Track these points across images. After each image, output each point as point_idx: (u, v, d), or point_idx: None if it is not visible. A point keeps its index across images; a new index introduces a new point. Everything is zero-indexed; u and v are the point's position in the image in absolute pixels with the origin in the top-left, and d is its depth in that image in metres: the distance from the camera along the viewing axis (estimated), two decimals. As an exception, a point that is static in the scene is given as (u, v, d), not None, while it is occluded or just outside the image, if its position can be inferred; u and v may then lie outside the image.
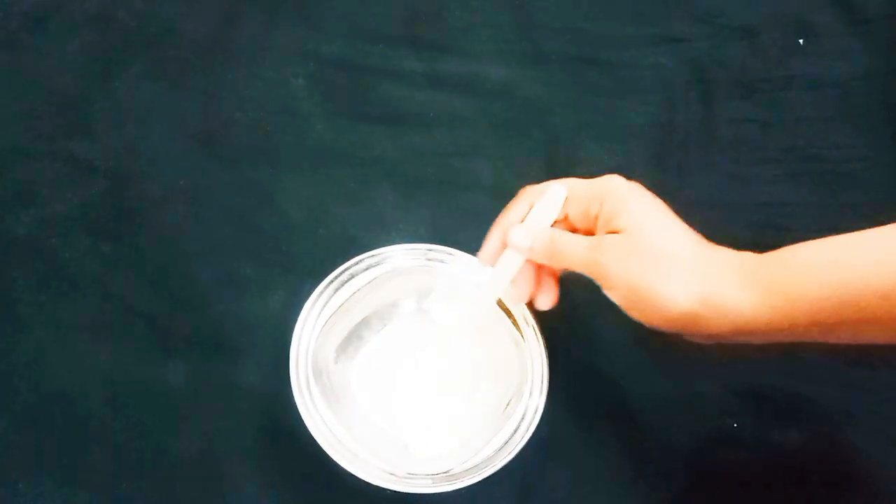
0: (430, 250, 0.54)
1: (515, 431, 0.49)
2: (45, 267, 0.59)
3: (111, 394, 0.55)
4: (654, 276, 0.40)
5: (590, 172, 0.62)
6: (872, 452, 0.53)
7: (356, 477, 0.47)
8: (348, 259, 0.53)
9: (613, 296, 0.42)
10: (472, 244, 0.49)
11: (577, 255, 0.43)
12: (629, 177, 0.62)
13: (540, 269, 0.47)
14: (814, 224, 0.59)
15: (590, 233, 0.45)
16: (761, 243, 0.58)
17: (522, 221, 0.46)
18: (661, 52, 0.67)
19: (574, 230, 0.45)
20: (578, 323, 0.57)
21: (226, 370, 0.56)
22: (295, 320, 0.51)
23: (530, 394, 0.50)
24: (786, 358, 0.56)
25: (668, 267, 0.40)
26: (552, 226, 0.45)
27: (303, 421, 0.48)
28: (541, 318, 0.51)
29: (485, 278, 0.48)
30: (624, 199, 0.43)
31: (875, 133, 0.63)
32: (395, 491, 0.47)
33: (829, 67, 0.66)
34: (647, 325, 0.42)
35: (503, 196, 0.63)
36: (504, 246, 0.46)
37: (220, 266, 0.59)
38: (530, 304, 0.49)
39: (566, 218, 0.46)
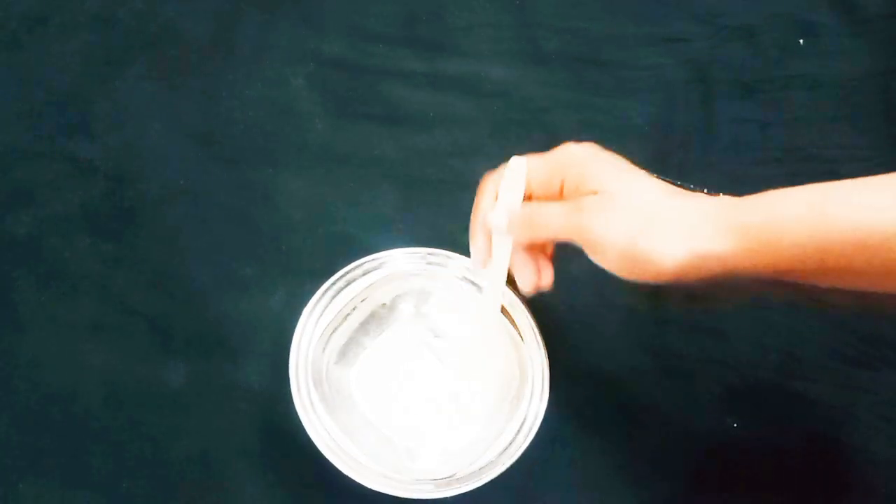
0: (428, 254, 0.54)
1: (517, 435, 0.48)
2: (45, 267, 0.59)
3: (111, 394, 0.55)
4: (640, 234, 0.40)
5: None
6: (872, 452, 0.53)
7: (357, 479, 0.47)
8: (348, 259, 0.53)
9: (600, 259, 0.41)
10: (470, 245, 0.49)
11: (559, 221, 0.42)
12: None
13: (532, 252, 0.46)
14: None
15: None
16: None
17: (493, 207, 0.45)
18: (661, 52, 0.67)
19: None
20: (578, 324, 0.57)
21: (226, 370, 0.56)
22: (295, 320, 0.51)
23: (531, 397, 0.50)
24: (786, 358, 0.56)
25: (652, 223, 0.40)
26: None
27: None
28: (541, 319, 0.51)
29: (484, 279, 0.48)
30: (587, 163, 0.42)
31: (875, 133, 0.64)
32: (397, 497, 0.47)
33: (829, 67, 0.66)
34: (636, 282, 0.42)
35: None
36: (490, 241, 0.46)
37: (220, 266, 0.59)
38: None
39: (531, 196, 0.45)
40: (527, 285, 0.46)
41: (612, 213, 0.40)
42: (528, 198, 0.45)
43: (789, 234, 0.38)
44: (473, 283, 0.53)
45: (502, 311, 0.52)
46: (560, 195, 0.44)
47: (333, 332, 0.52)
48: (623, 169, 0.43)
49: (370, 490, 0.47)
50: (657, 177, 0.43)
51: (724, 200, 0.41)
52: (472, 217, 0.47)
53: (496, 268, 0.46)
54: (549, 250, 0.48)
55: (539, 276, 0.46)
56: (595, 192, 0.41)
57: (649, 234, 0.40)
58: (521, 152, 0.64)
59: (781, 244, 0.38)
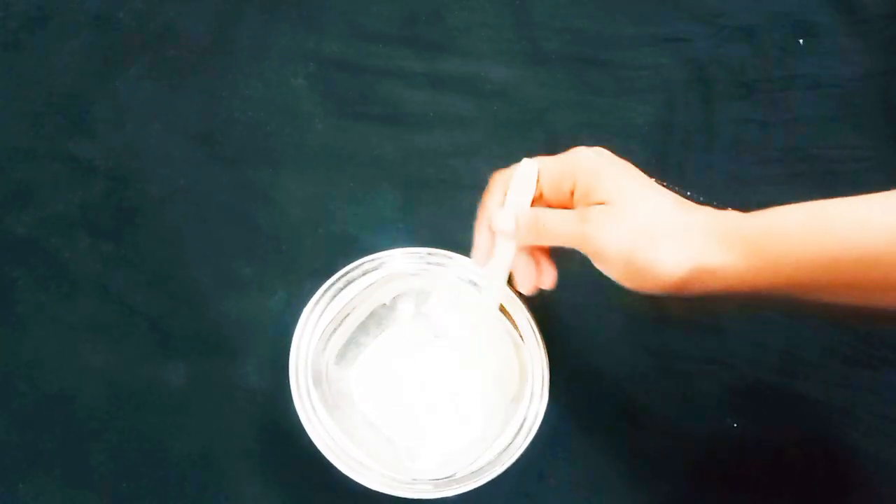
0: (428, 254, 0.54)
1: (517, 435, 0.48)
2: (45, 267, 0.59)
3: (111, 394, 0.55)
4: (645, 246, 0.40)
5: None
6: (872, 452, 0.53)
7: (357, 479, 0.47)
8: (348, 259, 0.53)
9: (605, 268, 0.42)
10: (471, 244, 0.49)
11: (565, 230, 0.43)
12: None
13: (534, 252, 0.47)
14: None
15: (566, 208, 0.44)
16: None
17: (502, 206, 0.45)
18: (661, 52, 0.67)
19: (549, 207, 0.45)
20: (579, 324, 0.57)
21: (226, 370, 0.56)
22: (295, 321, 0.51)
23: (531, 397, 0.50)
24: (786, 358, 0.56)
25: (657, 235, 0.40)
26: (532, 205, 0.45)
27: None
28: (541, 319, 0.51)
29: (483, 277, 0.48)
30: (597, 171, 0.43)
31: (875, 133, 0.64)
32: (397, 497, 0.47)
33: (829, 67, 0.66)
34: (639, 292, 0.42)
35: (503, 196, 0.62)
36: (494, 239, 0.46)
37: (220, 266, 0.59)
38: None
39: (541, 196, 0.45)
40: (527, 285, 0.47)
41: (619, 225, 0.41)
42: (538, 199, 0.45)
43: (792, 249, 0.39)
44: (473, 283, 0.53)
45: (502, 311, 0.52)
46: (570, 198, 0.44)
47: (333, 332, 0.52)
48: (633, 179, 0.43)
49: (370, 490, 0.47)
50: (667, 186, 0.43)
51: (728, 215, 0.41)
52: (477, 214, 0.47)
53: (497, 267, 0.46)
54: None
55: (539, 277, 0.47)
56: (603, 203, 0.42)
57: (654, 245, 0.40)
58: (521, 152, 0.64)
59: (784, 259, 0.39)
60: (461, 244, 0.54)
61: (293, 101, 0.65)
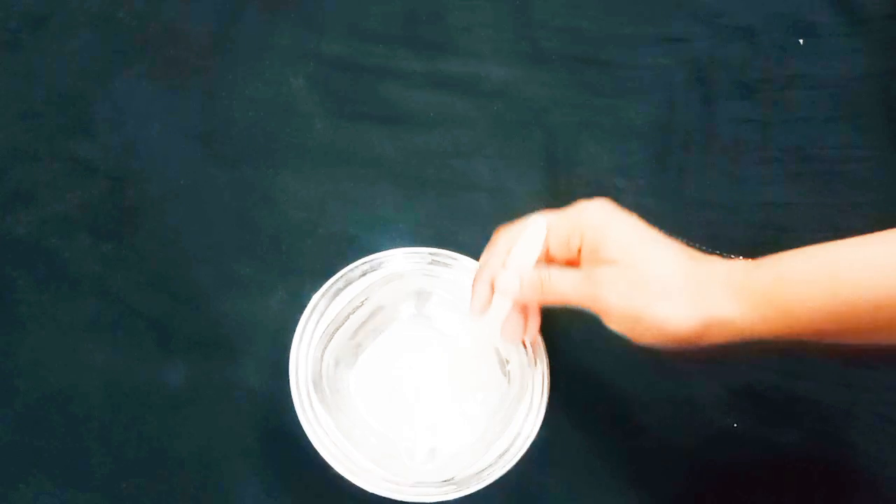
0: (429, 254, 0.53)
1: (517, 437, 0.48)
2: (45, 267, 0.59)
3: (111, 394, 0.55)
4: (655, 305, 0.41)
5: (590, 172, 0.63)
6: (872, 452, 0.53)
7: (356, 478, 0.47)
8: (348, 259, 0.53)
9: (615, 326, 0.42)
10: (471, 244, 0.49)
11: (573, 291, 0.43)
12: (629, 177, 0.62)
13: (525, 307, 0.47)
14: (814, 224, 0.59)
15: (571, 263, 0.45)
16: (761, 243, 0.59)
17: (504, 264, 0.45)
18: (661, 52, 0.67)
19: (551, 261, 0.45)
20: (578, 326, 0.56)
21: (226, 370, 0.56)
22: (295, 321, 0.51)
23: (531, 399, 0.50)
24: (786, 358, 0.56)
25: (666, 292, 0.41)
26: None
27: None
28: (541, 320, 0.51)
29: (476, 327, 0.47)
30: (604, 229, 0.43)
31: (875, 133, 0.63)
32: (396, 500, 0.47)
33: (829, 67, 0.66)
34: (650, 347, 0.42)
35: (503, 196, 0.63)
36: (493, 292, 0.46)
37: (220, 266, 0.59)
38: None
39: (547, 252, 0.45)
40: (514, 337, 0.47)
41: (627, 285, 0.41)
42: (544, 254, 0.45)
43: (803, 298, 0.39)
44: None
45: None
46: (577, 255, 0.44)
47: (333, 333, 0.52)
48: (639, 235, 0.43)
49: (370, 491, 0.47)
50: (667, 236, 0.43)
51: (736, 265, 0.41)
52: (479, 267, 0.46)
53: (492, 319, 0.46)
54: None
55: (526, 327, 0.47)
56: (611, 262, 0.42)
57: (663, 302, 0.40)
58: (521, 152, 0.64)
59: (796, 307, 0.39)
60: (462, 244, 0.54)
61: (293, 101, 0.65)
